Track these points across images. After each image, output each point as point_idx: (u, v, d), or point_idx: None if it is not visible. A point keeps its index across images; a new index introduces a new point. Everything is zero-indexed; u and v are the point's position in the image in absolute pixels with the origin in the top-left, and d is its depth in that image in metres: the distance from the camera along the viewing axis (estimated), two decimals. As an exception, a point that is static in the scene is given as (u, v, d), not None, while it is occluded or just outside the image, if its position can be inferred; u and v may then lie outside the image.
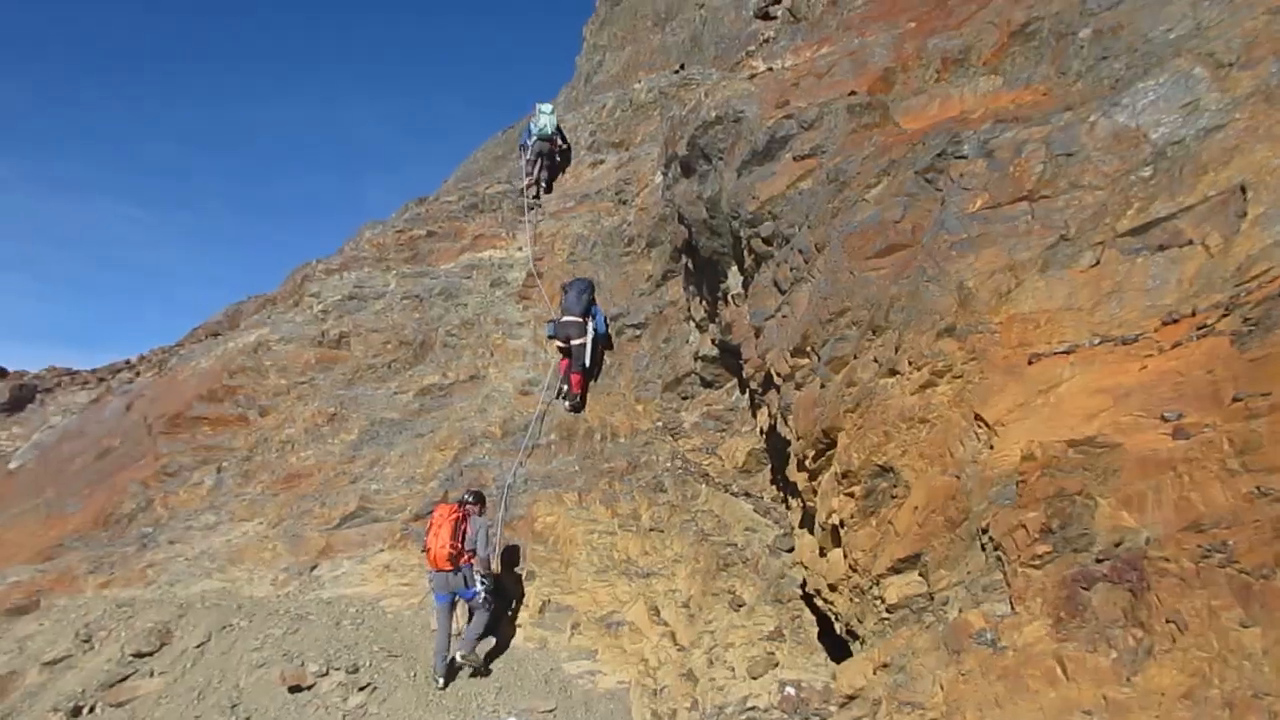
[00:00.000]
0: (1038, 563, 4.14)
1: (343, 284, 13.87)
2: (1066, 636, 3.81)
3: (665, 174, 11.47)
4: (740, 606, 8.10)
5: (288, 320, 13.47)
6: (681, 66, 18.01)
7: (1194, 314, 4.40)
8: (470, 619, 8.64)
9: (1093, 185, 5.37)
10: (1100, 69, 6.38)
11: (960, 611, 4.60)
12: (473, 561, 8.47)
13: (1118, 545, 3.80)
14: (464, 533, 8.39)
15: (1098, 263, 5.09)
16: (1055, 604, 3.95)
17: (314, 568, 9.97)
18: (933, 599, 4.96)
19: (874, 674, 4.96)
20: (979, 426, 4.95)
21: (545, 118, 15.87)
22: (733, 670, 7.55)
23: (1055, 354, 4.85)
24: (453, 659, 8.46)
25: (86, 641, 9.27)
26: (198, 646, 8.89)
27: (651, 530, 9.26)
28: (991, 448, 4.77)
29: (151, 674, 8.69)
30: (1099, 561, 3.85)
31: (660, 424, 10.45)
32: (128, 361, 18.82)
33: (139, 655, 8.84)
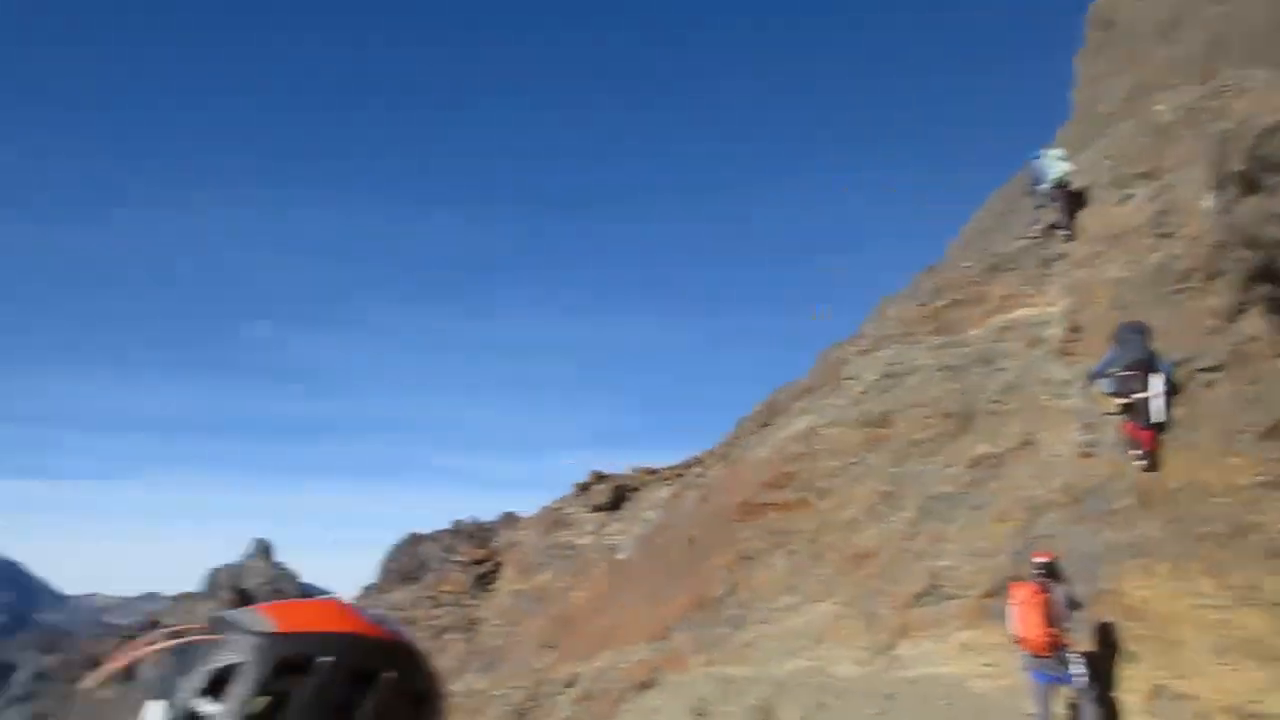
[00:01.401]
0: None
1: (875, 363, 14.36)
2: None
3: (1218, 196, 10.27)
4: None
5: (829, 404, 14.29)
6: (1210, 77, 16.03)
7: None
8: (1078, 713, 8.23)
9: None
10: None
11: None
12: (1069, 643, 8.10)
13: None
14: (1052, 614, 8.06)
15: None
16: None
17: (892, 647, 10.26)
18: None
19: None
20: None
21: (1056, 163, 15.11)
22: None
23: None
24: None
25: (701, 716, 10.51)
26: (797, 723, 9.60)
27: (1277, 604, 8.05)
28: None
29: (762, 747, 9.56)
30: None
31: (1263, 478, 9.13)
32: (696, 457, 21.27)
33: (747, 730, 9.80)
